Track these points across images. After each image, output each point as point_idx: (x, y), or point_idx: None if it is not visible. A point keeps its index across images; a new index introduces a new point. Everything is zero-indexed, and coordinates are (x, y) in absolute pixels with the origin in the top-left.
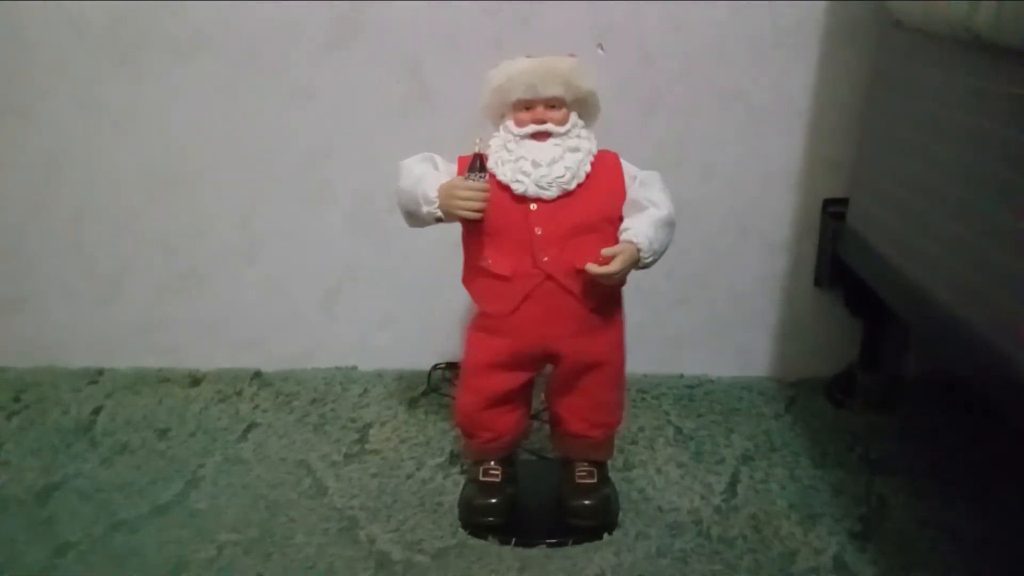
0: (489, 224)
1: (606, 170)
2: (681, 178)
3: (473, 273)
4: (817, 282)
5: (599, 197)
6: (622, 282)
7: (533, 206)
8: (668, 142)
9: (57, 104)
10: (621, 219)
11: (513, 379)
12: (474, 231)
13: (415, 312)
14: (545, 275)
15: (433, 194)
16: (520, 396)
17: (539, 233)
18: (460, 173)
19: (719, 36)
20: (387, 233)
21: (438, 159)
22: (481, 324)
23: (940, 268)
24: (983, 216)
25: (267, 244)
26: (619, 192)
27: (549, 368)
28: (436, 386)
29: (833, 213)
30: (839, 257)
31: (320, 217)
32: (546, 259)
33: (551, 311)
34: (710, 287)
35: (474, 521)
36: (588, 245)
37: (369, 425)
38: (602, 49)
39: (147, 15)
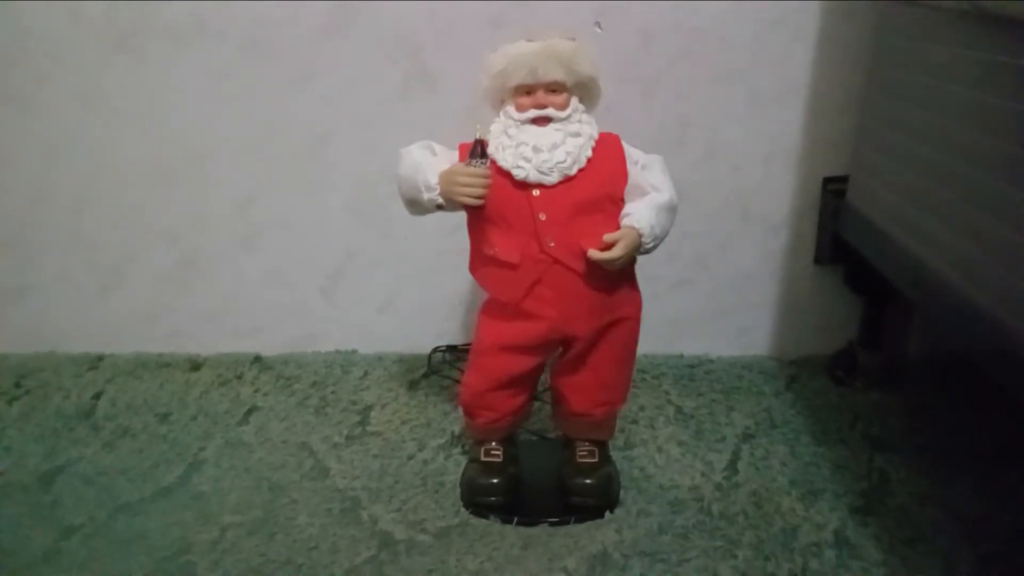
0: (493, 211)
1: (607, 152)
2: (682, 158)
3: (480, 261)
4: (817, 260)
5: (601, 178)
6: (628, 264)
7: (535, 192)
8: (668, 122)
9: (55, 93)
10: (624, 200)
11: (524, 363)
12: (478, 219)
13: (415, 296)
14: (553, 259)
15: (434, 180)
16: (527, 381)
17: (543, 219)
18: (461, 160)
19: (719, 14)
20: (387, 218)
21: (436, 146)
22: (495, 307)
23: (942, 244)
24: (987, 191)
25: (268, 230)
26: (621, 173)
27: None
28: (436, 368)
29: (833, 191)
30: (839, 235)
31: (320, 202)
32: (552, 244)
33: (563, 294)
34: (710, 267)
35: (476, 500)
36: (592, 225)
37: (370, 407)
38: (600, 27)
39: (144, 2)
